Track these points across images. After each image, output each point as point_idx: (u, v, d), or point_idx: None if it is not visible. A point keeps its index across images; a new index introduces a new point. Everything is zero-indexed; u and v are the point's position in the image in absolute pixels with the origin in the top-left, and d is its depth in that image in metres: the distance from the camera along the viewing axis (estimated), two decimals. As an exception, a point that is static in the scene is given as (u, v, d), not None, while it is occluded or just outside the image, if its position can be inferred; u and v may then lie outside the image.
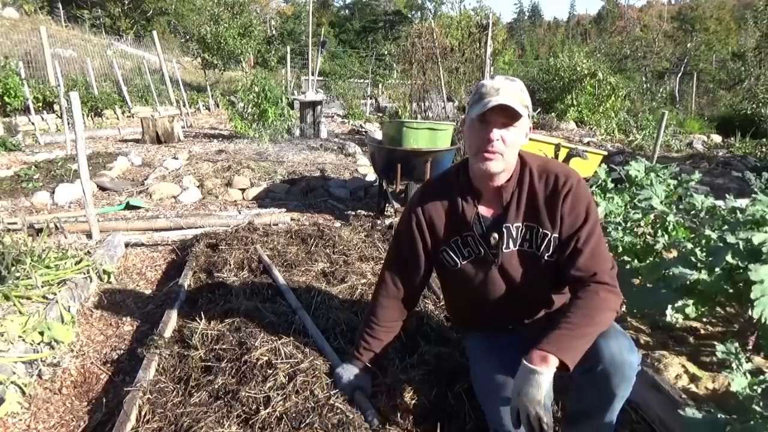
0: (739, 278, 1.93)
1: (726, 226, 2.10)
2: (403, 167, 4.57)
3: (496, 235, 1.58)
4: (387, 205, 4.92)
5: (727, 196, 2.63)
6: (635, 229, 2.79)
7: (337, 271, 2.98)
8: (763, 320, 1.73)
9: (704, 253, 2.06)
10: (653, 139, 7.05)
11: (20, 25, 17.46)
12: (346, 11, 54.65)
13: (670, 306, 2.21)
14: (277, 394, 1.79)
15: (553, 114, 15.27)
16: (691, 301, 2.10)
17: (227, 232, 3.73)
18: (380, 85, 19.93)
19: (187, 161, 7.07)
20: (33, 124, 9.79)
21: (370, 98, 17.90)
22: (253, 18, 21.72)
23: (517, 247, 1.59)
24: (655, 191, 2.71)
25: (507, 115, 1.45)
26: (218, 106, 16.29)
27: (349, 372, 1.80)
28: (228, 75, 20.66)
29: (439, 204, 1.65)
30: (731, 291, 2.01)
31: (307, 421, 1.68)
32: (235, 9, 20.16)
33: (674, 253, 2.60)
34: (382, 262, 2.07)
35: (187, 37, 20.75)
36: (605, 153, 6.36)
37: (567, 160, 4.94)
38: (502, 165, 1.51)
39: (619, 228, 2.66)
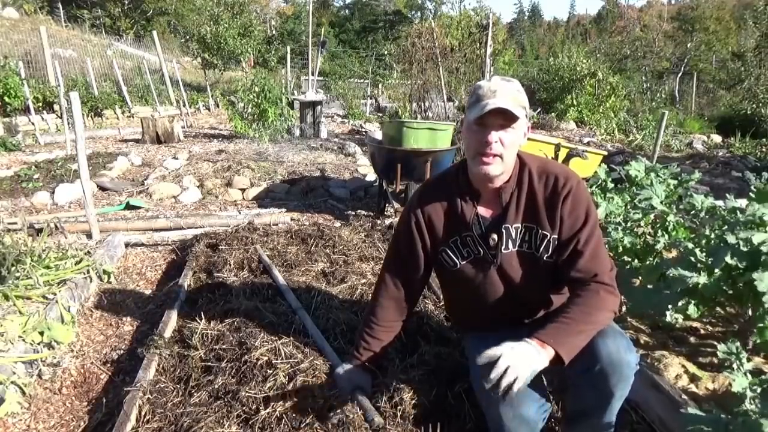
0: (739, 279, 1.93)
1: (726, 226, 2.10)
2: (403, 167, 4.57)
3: (495, 236, 1.59)
4: (387, 205, 4.92)
5: (727, 196, 2.63)
6: (635, 229, 2.79)
7: (337, 271, 2.98)
8: None
9: (704, 254, 2.06)
10: (653, 139, 7.06)
11: (20, 25, 17.47)
12: (346, 11, 54.64)
13: (670, 306, 2.21)
14: (277, 394, 1.79)
15: (553, 114, 15.26)
16: (693, 302, 2.10)
17: (227, 232, 3.73)
18: (380, 85, 19.93)
19: (187, 161, 7.07)
20: (33, 124, 9.79)
21: (370, 98, 17.90)
22: (253, 18, 21.71)
23: (516, 248, 1.60)
24: (655, 191, 2.71)
25: (504, 117, 1.45)
26: (218, 106, 16.29)
27: (349, 372, 1.80)
28: (228, 75, 20.66)
29: (438, 204, 1.65)
30: (731, 291, 2.01)
31: (307, 421, 1.68)
32: (235, 9, 20.14)
33: (674, 253, 2.60)
34: (382, 262, 2.07)
35: (187, 37, 20.69)
36: (605, 153, 6.36)
37: (567, 160, 4.93)
38: (501, 168, 1.51)
39: (619, 228, 2.66)
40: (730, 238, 1.91)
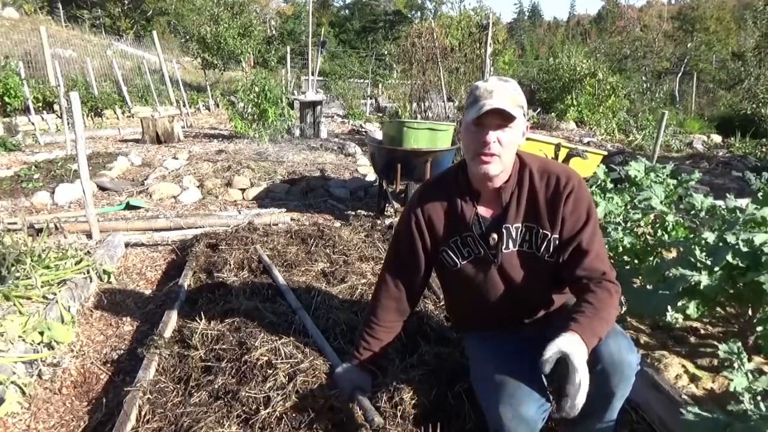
0: (739, 278, 1.93)
1: (726, 226, 2.10)
2: (403, 167, 4.57)
3: (495, 236, 1.59)
4: (387, 205, 4.92)
5: (727, 196, 2.63)
6: (635, 229, 2.79)
7: (337, 271, 2.98)
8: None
9: (704, 253, 2.06)
10: (653, 139, 7.05)
11: (20, 25, 17.47)
12: (346, 11, 54.63)
13: (670, 306, 2.21)
14: (277, 394, 1.79)
15: (553, 114, 15.26)
16: (693, 302, 2.10)
17: (227, 232, 3.73)
18: (380, 85, 19.92)
19: (187, 161, 7.07)
20: (33, 124, 9.80)
21: (370, 98, 17.89)
22: (253, 18, 21.69)
23: (516, 248, 1.60)
24: (654, 191, 2.71)
25: (502, 117, 1.46)
26: (218, 106, 16.29)
27: (349, 372, 1.80)
28: (228, 75, 20.66)
29: (439, 204, 1.65)
30: (731, 291, 2.01)
31: (307, 421, 1.68)
32: (235, 9, 20.13)
33: (674, 253, 2.60)
34: (382, 262, 2.07)
35: (187, 37, 20.70)
36: (605, 153, 6.36)
37: (567, 160, 4.93)
38: (500, 167, 1.52)
39: (619, 228, 2.66)
40: (731, 238, 1.91)
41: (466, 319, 1.85)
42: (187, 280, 2.97)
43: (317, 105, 10.03)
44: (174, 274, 3.34)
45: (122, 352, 2.55)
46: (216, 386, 1.89)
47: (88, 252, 3.36)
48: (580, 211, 1.54)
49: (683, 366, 2.04)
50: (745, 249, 1.87)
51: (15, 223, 4.09)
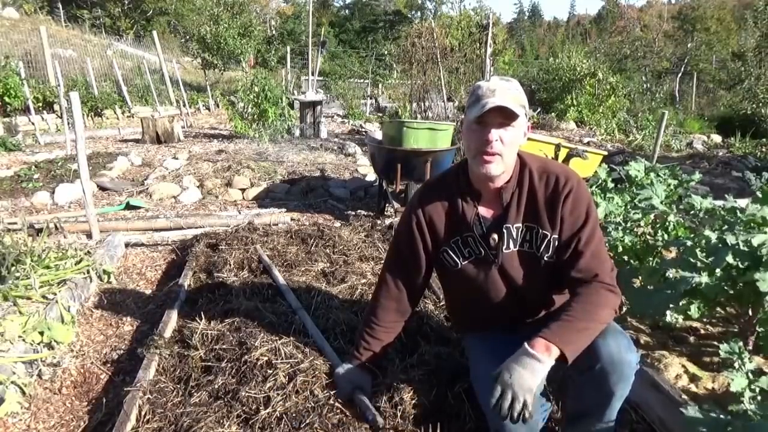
0: (739, 278, 1.93)
1: (726, 226, 2.10)
2: (403, 167, 4.57)
3: (495, 236, 1.59)
4: (387, 205, 4.92)
5: (727, 196, 2.63)
6: (635, 229, 2.79)
7: (337, 271, 2.98)
8: None
9: (704, 254, 2.06)
10: (653, 139, 7.05)
11: (20, 25, 17.47)
12: (346, 11, 54.64)
13: (671, 306, 2.21)
14: (277, 394, 1.79)
15: (553, 114, 15.26)
16: (694, 302, 2.10)
17: (227, 232, 3.73)
18: (380, 85, 19.93)
19: (187, 161, 7.07)
20: (33, 124, 9.80)
21: (370, 98, 17.89)
22: (253, 18, 21.68)
23: (517, 248, 1.60)
24: (655, 191, 2.71)
25: (504, 116, 1.46)
26: (218, 106, 16.29)
27: (349, 372, 1.80)
28: (228, 75, 20.65)
29: (439, 204, 1.65)
30: (731, 292, 2.01)
31: (307, 421, 1.68)
32: (235, 9, 20.12)
33: (674, 253, 2.60)
34: (382, 262, 2.06)
35: (187, 37, 20.72)
36: (605, 153, 6.36)
37: (567, 160, 4.93)
38: (501, 167, 1.52)
39: (619, 228, 2.66)
40: (731, 238, 1.91)
41: (467, 319, 1.85)
42: (187, 280, 2.97)
43: (317, 105, 10.03)
44: (174, 274, 3.34)
45: (122, 352, 2.55)
46: (216, 386, 1.89)
47: (88, 252, 3.36)
48: (579, 211, 1.54)
49: (683, 366, 2.04)
50: (745, 249, 1.87)
51: (15, 223, 4.09)
